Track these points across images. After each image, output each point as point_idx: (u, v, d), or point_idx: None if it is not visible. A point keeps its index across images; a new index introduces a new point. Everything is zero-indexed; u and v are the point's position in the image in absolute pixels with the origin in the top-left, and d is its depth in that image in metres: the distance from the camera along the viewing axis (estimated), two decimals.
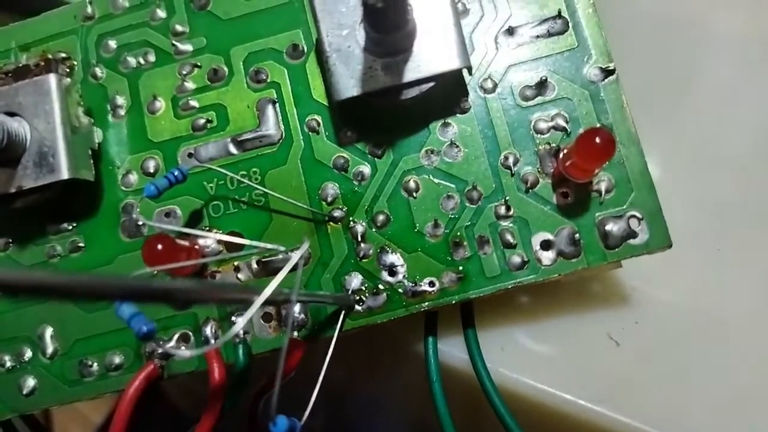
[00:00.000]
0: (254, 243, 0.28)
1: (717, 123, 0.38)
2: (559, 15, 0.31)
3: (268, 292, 0.26)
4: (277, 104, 0.32)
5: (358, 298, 0.30)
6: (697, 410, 0.33)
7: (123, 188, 0.32)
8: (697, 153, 0.38)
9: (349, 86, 0.29)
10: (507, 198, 0.30)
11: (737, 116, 0.38)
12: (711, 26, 0.40)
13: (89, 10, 0.34)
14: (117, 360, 0.31)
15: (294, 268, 0.25)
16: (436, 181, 0.30)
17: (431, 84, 0.29)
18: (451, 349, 0.34)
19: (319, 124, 0.31)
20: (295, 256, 0.25)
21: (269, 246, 0.27)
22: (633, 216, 0.29)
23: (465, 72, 0.30)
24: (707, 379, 0.33)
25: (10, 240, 0.33)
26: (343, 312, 0.29)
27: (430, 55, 0.29)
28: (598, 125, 0.30)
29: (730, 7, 0.40)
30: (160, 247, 0.28)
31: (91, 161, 0.32)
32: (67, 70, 0.33)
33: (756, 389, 0.33)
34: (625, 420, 0.32)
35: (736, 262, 0.35)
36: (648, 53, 0.40)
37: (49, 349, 0.32)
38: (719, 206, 0.36)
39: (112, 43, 0.34)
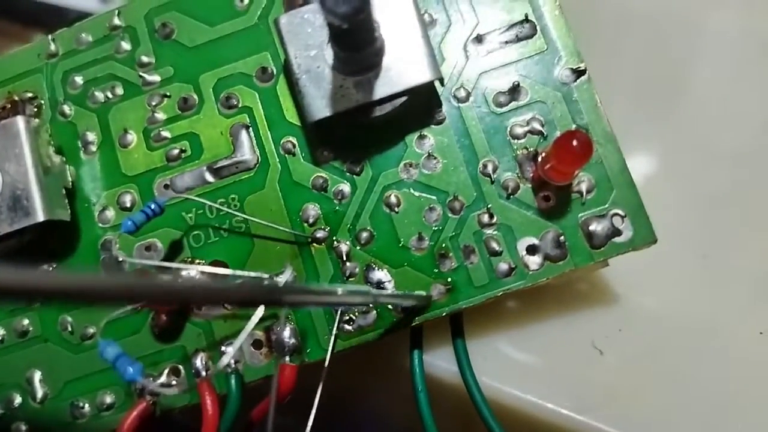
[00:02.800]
0: (237, 273, 0.28)
1: (705, 125, 0.38)
2: (526, 19, 0.31)
3: (259, 313, 0.26)
4: (251, 129, 0.32)
5: (347, 317, 0.30)
6: (681, 418, 0.32)
7: (101, 225, 0.32)
8: (685, 157, 0.38)
9: (321, 107, 0.28)
10: (489, 206, 0.30)
11: (726, 119, 0.38)
12: (705, 24, 0.40)
13: (53, 47, 0.33)
14: (108, 400, 0.31)
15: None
16: (417, 194, 0.30)
17: (404, 98, 0.29)
18: (439, 361, 0.33)
19: (294, 146, 0.31)
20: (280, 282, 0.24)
21: (252, 274, 0.27)
22: (616, 214, 0.29)
23: (437, 83, 0.30)
24: (691, 387, 0.33)
25: None
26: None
27: (400, 70, 0.28)
28: (574, 127, 0.30)
29: (724, 5, 0.41)
30: None
31: (66, 200, 0.31)
32: (35, 109, 0.33)
33: (741, 397, 0.33)
34: (607, 429, 0.32)
35: (721, 269, 0.35)
36: (641, 52, 0.40)
37: (39, 394, 0.32)
38: (705, 212, 0.36)
39: (79, 79, 0.33)
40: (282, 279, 0.26)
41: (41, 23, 0.59)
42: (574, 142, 0.26)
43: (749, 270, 0.35)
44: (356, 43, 0.27)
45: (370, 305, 0.29)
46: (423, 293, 0.29)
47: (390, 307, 0.30)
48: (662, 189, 0.37)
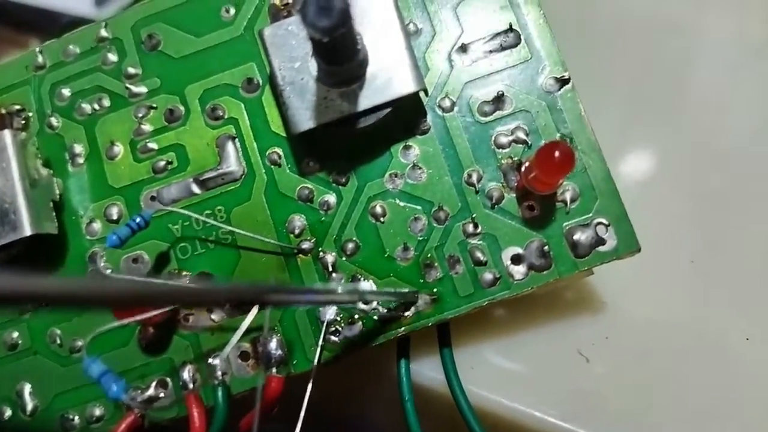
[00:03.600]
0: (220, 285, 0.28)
1: (695, 131, 0.38)
2: (511, 28, 0.31)
3: (245, 325, 0.27)
4: (237, 140, 0.32)
5: (333, 328, 0.30)
6: (668, 425, 0.33)
7: (88, 237, 0.32)
8: (672, 163, 0.38)
9: (305, 118, 0.29)
10: (474, 215, 0.30)
11: (717, 125, 0.38)
12: (701, 29, 0.40)
13: (40, 59, 0.34)
14: (97, 412, 0.31)
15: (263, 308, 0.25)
16: (402, 204, 0.30)
17: (388, 110, 0.29)
18: (426, 370, 0.34)
19: (280, 157, 0.31)
20: None
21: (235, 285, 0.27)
22: (600, 223, 0.29)
23: (422, 93, 0.30)
24: (678, 394, 0.33)
25: None
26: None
27: (384, 81, 0.28)
28: (558, 136, 0.30)
29: (720, 10, 0.41)
30: None
31: (54, 213, 0.31)
32: (23, 122, 0.33)
33: (728, 403, 0.33)
34: None
35: (708, 275, 0.35)
36: (636, 57, 0.40)
37: (29, 406, 0.32)
38: (692, 218, 0.36)
39: (66, 91, 0.33)
40: None
41: (34, 28, 0.59)
42: (557, 153, 0.26)
43: (736, 276, 0.35)
44: (338, 57, 0.27)
45: (357, 303, 0.29)
46: (410, 290, 0.29)
47: (378, 307, 0.30)
48: (648, 195, 0.37)
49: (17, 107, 0.33)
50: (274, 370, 0.29)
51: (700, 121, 0.39)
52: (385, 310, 0.30)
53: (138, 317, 0.27)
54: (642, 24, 0.41)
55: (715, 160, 0.38)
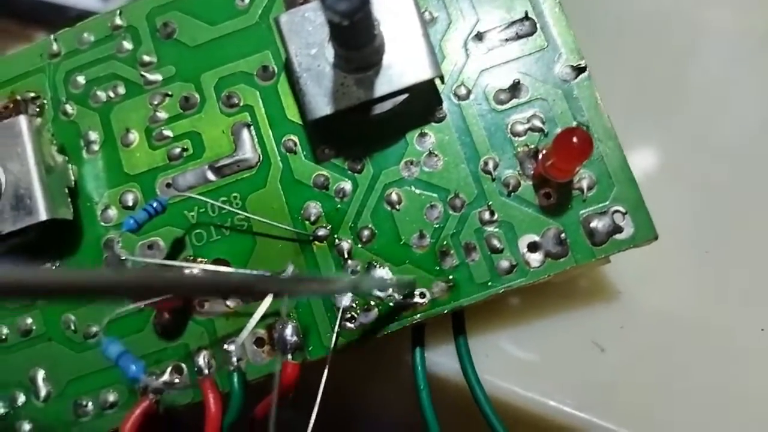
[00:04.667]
0: (238, 271, 0.28)
1: (706, 121, 0.38)
2: (527, 17, 0.31)
3: (259, 313, 0.27)
4: (252, 127, 0.32)
5: (349, 315, 0.30)
6: (682, 415, 0.33)
7: (103, 224, 0.32)
8: (686, 154, 0.38)
9: (322, 105, 0.29)
10: (490, 203, 0.30)
11: (727, 115, 0.38)
12: (703, 22, 0.40)
13: (55, 47, 0.34)
14: (111, 398, 0.31)
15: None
16: (418, 191, 0.30)
17: (404, 96, 0.29)
18: (440, 358, 0.34)
19: (295, 144, 0.31)
20: None
21: (254, 273, 0.27)
22: (617, 211, 0.29)
23: (437, 81, 0.30)
24: (692, 384, 0.33)
25: None
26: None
27: (400, 68, 0.28)
28: (575, 124, 0.30)
29: (722, 3, 0.41)
30: None
31: (69, 199, 0.31)
32: (37, 109, 0.33)
33: (743, 393, 0.33)
34: (609, 426, 0.32)
35: (723, 265, 0.35)
36: (641, 50, 0.40)
37: (43, 392, 0.32)
38: (706, 208, 0.36)
39: (81, 79, 0.33)
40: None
41: (42, 21, 0.59)
42: (574, 139, 0.26)
43: (750, 266, 0.35)
44: (356, 41, 0.27)
45: (374, 291, 0.29)
46: (408, 278, 0.29)
47: (394, 294, 0.30)
48: (664, 185, 0.37)
49: (32, 94, 0.33)
50: (289, 356, 0.29)
51: (706, 113, 0.39)
52: (401, 297, 0.30)
53: (153, 300, 0.27)
54: (644, 18, 0.41)
55: (726, 151, 0.38)
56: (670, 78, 0.40)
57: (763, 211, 0.36)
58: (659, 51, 0.40)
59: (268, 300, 0.27)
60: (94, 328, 0.31)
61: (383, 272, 0.30)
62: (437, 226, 0.30)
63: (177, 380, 0.30)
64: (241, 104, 0.32)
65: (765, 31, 0.40)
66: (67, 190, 0.32)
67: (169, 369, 0.30)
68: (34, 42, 0.38)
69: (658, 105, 0.40)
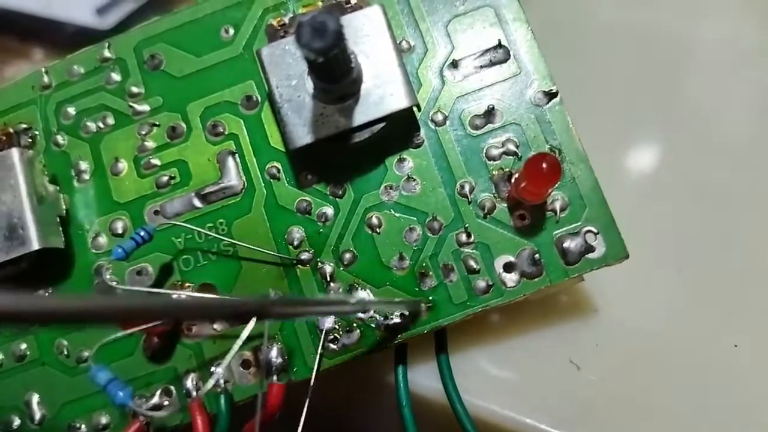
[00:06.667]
0: (221, 298, 0.29)
1: (683, 144, 0.39)
2: (500, 45, 0.32)
3: (247, 331, 0.27)
4: (237, 155, 0.33)
5: (332, 337, 0.31)
6: None
7: (94, 251, 0.33)
8: (660, 175, 0.39)
9: (302, 134, 0.30)
10: (467, 225, 0.31)
11: (705, 140, 0.39)
12: (696, 35, 0.41)
13: (46, 79, 0.35)
14: (104, 420, 0.32)
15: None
16: (398, 215, 0.31)
17: (382, 125, 0.30)
18: (421, 378, 0.34)
19: (279, 171, 0.32)
20: None
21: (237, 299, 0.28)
22: (589, 231, 0.30)
23: (414, 108, 0.31)
24: (667, 401, 0.34)
25: None
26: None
27: (378, 97, 0.30)
28: (547, 147, 0.31)
29: (715, 15, 0.42)
30: None
31: (60, 228, 0.32)
32: (30, 140, 0.34)
33: (718, 409, 0.33)
34: None
35: (696, 282, 0.36)
36: (632, 65, 0.42)
37: (37, 415, 0.33)
38: (680, 226, 0.37)
39: (71, 110, 0.34)
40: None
41: (38, 37, 0.59)
42: (544, 165, 0.27)
43: (723, 283, 0.36)
44: (333, 75, 0.28)
45: (363, 314, 0.31)
46: (413, 299, 0.30)
47: (378, 317, 0.31)
48: (639, 205, 0.38)
49: (24, 126, 0.34)
50: (275, 377, 0.30)
51: (690, 133, 0.40)
52: (382, 318, 0.31)
53: (142, 327, 0.28)
54: (638, 31, 0.42)
55: (705, 171, 0.39)
56: (659, 93, 0.41)
57: (733, 229, 0.37)
58: (650, 66, 0.41)
59: (251, 324, 0.27)
60: (86, 353, 0.32)
61: (364, 294, 0.31)
62: (416, 248, 0.31)
63: (166, 402, 0.31)
64: (226, 133, 0.33)
65: (757, 44, 0.41)
66: (58, 219, 0.33)
67: (158, 392, 0.31)
68: (30, 59, 0.39)
69: (641, 124, 0.41)
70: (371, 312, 0.31)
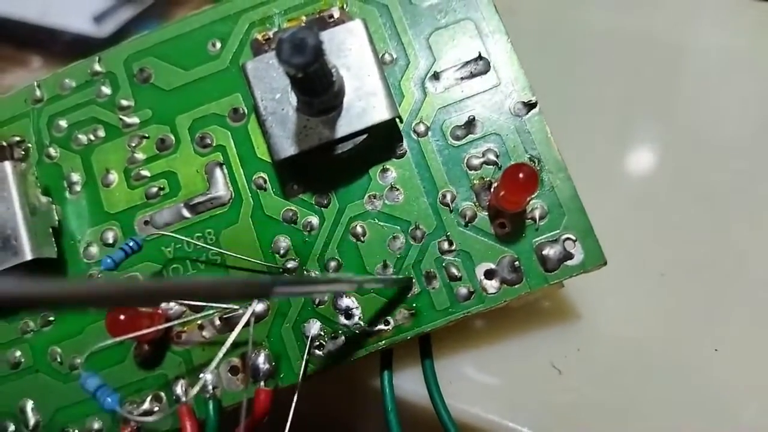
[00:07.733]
0: (209, 303, 0.30)
1: (671, 148, 0.40)
2: (480, 57, 0.33)
3: (231, 339, 0.28)
4: (224, 166, 0.34)
5: (318, 343, 0.32)
6: None
7: (85, 260, 0.34)
8: (642, 179, 0.40)
9: (286, 146, 0.30)
10: (448, 233, 0.32)
11: (691, 145, 0.40)
12: (690, 41, 0.42)
13: (38, 93, 0.36)
14: (96, 425, 0.33)
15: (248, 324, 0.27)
16: (381, 224, 0.32)
17: (364, 136, 0.31)
18: (407, 383, 0.35)
19: (265, 181, 0.33)
20: (247, 314, 0.27)
21: (223, 305, 0.29)
22: (568, 238, 0.31)
23: (397, 120, 0.32)
24: (648, 405, 0.34)
25: None
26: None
27: (360, 110, 0.30)
28: (527, 157, 0.32)
29: (709, 22, 0.43)
30: (122, 317, 0.29)
31: (53, 239, 0.33)
32: (23, 153, 0.35)
33: (698, 413, 0.34)
34: None
35: (677, 287, 0.36)
36: (628, 70, 0.42)
37: (32, 421, 0.34)
38: (662, 232, 0.38)
39: (63, 123, 0.35)
40: (250, 310, 0.28)
41: (35, 45, 0.60)
42: (521, 175, 0.28)
43: (704, 288, 0.36)
44: (314, 89, 0.28)
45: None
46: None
47: (360, 322, 0.31)
48: (621, 210, 0.38)
49: (17, 139, 0.35)
50: (262, 383, 0.31)
51: (672, 140, 0.41)
52: (367, 325, 0.31)
53: (132, 334, 0.29)
54: (634, 37, 0.43)
55: (689, 175, 0.39)
56: (653, 100, 0.41)
57: (714, 234, 0.37)
58: (643, 73, 0.42)
59: (237, 329, 0.28)
60: (79, 360, 0.33)
61: (349, 301, 0.32)
62: (399, 256, 0.32)
63: (156, 408, 0.32)
64: (214, 144, 0.34)
65: (750, 51, 0.42)
66: (51, 230, 0.33)
67: (149, 398, 0.32)
68: (27, 66, 0.39)
69: (619, 134, 0.41)
70: (356, 319, 0.31)
